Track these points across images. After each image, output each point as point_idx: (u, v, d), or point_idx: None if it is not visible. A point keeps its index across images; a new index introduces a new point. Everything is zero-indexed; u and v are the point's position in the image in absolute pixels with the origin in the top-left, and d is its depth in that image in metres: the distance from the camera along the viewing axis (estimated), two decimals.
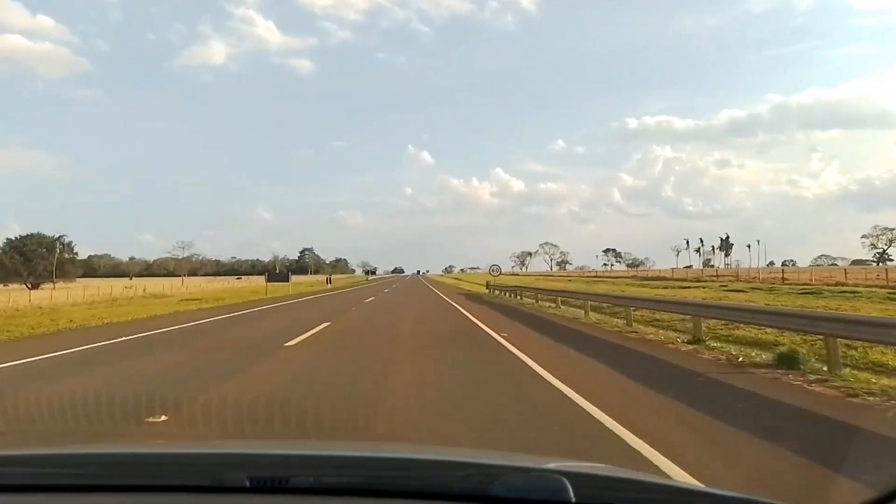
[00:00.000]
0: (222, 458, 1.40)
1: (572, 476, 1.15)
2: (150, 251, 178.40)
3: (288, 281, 40.59)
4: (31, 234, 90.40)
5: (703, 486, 1.43)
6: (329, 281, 64.20)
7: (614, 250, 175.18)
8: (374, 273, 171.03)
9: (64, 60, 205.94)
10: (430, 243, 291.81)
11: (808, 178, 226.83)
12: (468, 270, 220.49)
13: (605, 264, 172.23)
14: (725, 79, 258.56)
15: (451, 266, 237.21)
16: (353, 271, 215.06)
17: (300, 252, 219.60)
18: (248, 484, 1.18)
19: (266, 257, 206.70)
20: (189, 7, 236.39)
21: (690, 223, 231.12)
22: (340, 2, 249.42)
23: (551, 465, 1.27)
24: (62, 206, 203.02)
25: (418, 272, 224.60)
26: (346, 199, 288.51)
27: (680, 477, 3.41)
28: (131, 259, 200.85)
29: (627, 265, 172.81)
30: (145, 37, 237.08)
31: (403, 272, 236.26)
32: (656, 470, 3.52)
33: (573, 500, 1.10)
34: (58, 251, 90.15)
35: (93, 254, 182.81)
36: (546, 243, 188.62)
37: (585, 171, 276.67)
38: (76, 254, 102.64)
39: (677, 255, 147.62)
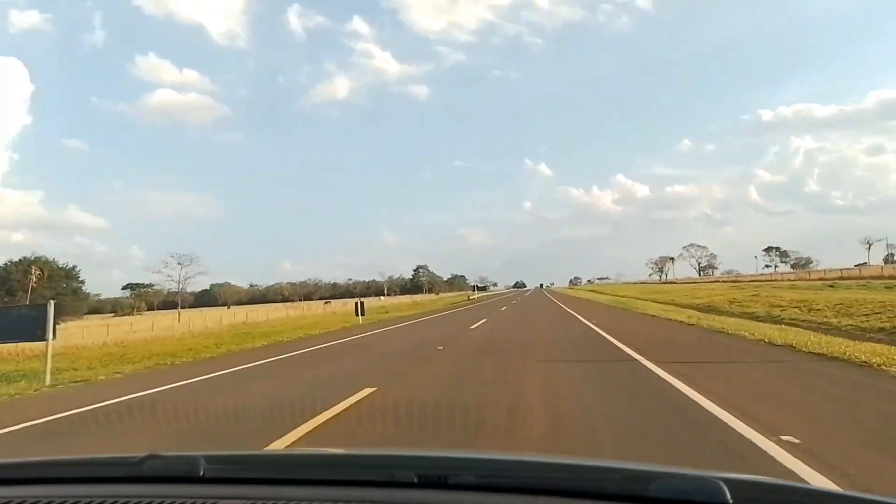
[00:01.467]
0: (394, 460, 1.55)
1: (729, 480, 1.16)
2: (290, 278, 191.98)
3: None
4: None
5: (862, 492, 1.36)
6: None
7: (778, 249, 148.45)
8: (483, 289, 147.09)
9: (209, 108, 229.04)
10: (552, 256, 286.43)
11: None
12: (596, 281, 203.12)
13: (767, 266, 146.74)
14: (871, 56, 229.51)
15: (577, 277, 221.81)
16: (473, 288, 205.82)
17: (414, 270, 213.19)
18: (415, 480, 1.31)
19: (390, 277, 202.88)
20: (313, 47, 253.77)
21: (840, 218, 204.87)
22: (452, 24, 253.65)
23: (707, 473, 1.25)
24: (214, 242, 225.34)
25: (541, 286, 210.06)
26: (467, 217, 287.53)
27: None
28: (251, 286, 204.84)
29: (792, 266, 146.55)
30: (276, 80, 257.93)
31: (525, 286, 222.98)
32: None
33: (730, 501, 1.11)
34: (33, 278, 75.35)
35: (214, 282, 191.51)
36: (691, 245, 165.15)
37: (717, 170, 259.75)
38: (82, 282, 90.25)
39: (869, 248, 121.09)
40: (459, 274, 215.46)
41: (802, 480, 3.44)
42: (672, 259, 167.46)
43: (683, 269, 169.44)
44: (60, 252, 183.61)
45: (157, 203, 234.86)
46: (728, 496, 1.11)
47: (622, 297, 46.61)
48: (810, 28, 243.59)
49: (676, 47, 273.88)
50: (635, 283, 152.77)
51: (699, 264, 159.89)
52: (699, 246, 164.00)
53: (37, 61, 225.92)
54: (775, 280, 71.24)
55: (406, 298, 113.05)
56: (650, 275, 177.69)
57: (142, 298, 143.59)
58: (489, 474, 1.37)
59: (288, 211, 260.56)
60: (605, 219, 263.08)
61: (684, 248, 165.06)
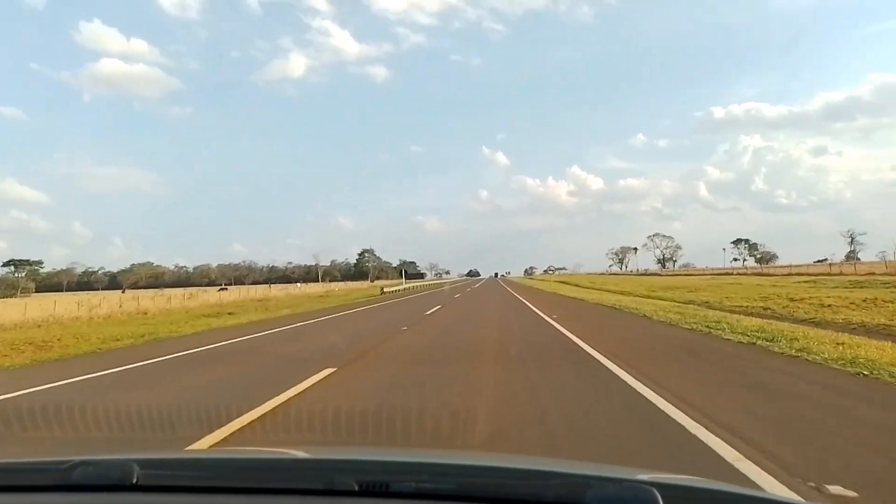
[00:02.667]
0: (332, 464, 1.55)
1: (662, 486, 1.19)
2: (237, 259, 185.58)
3: None
4: None
5: (798, 498, 1.49)
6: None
7: (747, 241, 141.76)
8: (418, 276, 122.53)
9: (158, 80, 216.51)
10: (507, 245, 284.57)
11: None
12: (552, 272, 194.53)
13: (735, 259, 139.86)
14: (821, 60, 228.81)
15: (532, 267, 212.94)
16: (424, 275, 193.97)
17: (359, 254, 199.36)
18: (356, 488, 1.30)
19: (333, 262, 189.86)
20: (269, 22, 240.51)
21: (783, 216, 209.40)
22: (413, 5, 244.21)
23: (642, 476, 1.31)
24: (161, 221, 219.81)
25: (496, 274, 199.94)
26: (424, 204, 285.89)
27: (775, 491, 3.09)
28: (178, 268, 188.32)
29: (757, 260, 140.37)
30: (229, 54, 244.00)
31: (479, 275, 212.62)
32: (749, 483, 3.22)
33: None
34: None
35: (136, 262, 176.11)
36: (655, 235, 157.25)
37: (668, 165, 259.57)
38: None
39: (852, 241, 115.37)
40: (409, 260, 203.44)
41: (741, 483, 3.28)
42: (635, 249, 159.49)
43: (648, 262, 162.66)
44: None
45: (101, 178, 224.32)
46: (660, 503, 1.15)
47: (614, 292, 33.95)
48: (764, 29, 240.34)
49: (635, 41, 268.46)
50: (598, 273, 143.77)
51: (663, 256, 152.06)
52: (664, 236, 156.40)
53: None
54: (765, 274, 62.28)
55: (340, 285, 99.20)
56: (610, 266, 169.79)
57: (30, 277, 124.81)
58: (430, 479, 1.38)
59: (240, 190, 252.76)
60: (559, 210, 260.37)
61: (648, 237, 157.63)
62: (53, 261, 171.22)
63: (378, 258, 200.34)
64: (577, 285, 53.64)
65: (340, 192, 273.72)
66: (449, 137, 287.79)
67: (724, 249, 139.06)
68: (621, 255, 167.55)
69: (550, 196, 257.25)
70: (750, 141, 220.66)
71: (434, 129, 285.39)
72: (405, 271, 67.07)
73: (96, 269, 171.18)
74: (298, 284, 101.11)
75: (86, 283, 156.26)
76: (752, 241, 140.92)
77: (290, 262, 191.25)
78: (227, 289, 78.93)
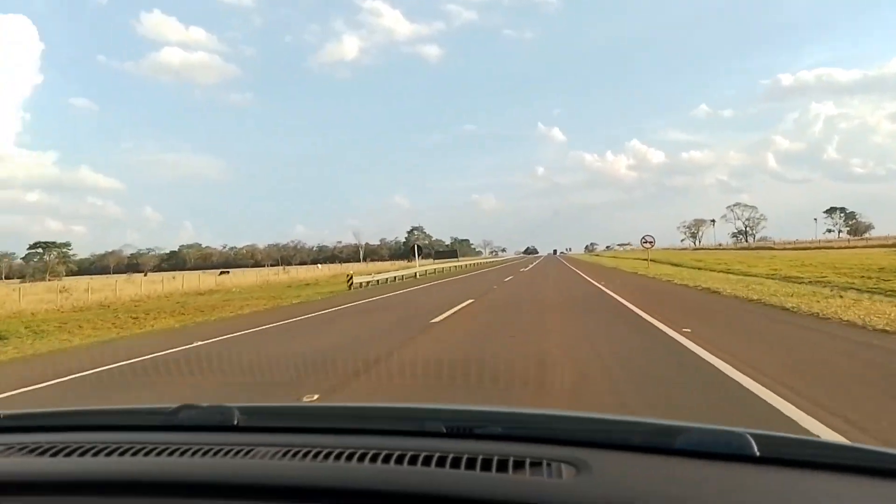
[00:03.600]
0: (423, 413, 1.61)
1: (756, 435, 1.19)
2: (309, 241, 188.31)
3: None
4: None
5: (885, 447, 1.24)
6: None
7: (843, 210, 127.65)
8: (448, 255, 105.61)
9: (216, 67, 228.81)
10: (566, 222, 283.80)
11: None
12: (616, 247, 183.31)
13: (829, 230, 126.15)
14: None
15: (593, 243, 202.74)
16: (480, 253, 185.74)
17: (408, 232, 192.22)
18: (444, 430, 1.38)
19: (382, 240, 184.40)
20: (321, 6, 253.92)
21: (860, 187, 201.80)
22: None
23: (732, 428, 1.28)
24: (227, 204, 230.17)
25: (555, 251, 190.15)
26: (479, 183, 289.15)
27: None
28: (225, 248, 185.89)
29: (848, 232, 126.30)
30: (284, 39, 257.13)
31: (537, 252, 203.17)
32: None
33: (757, 454, 1.14)
34: None
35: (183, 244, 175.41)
36: (736, 205, 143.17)
37: (734, 136, 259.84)
38: None
39: None
40: (462, 238, 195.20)
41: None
42: (712, 221, 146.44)
43: (725, 235, 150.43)
44: (74, 213, 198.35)
45: (167, 164, 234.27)
46: (755, 449, 1.14)
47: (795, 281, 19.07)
48: None
49: (693, 7, 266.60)
50: (675, 249, 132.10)
51: (745, 227, 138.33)
52: (746, 205, 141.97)
53: (45, 19, 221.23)
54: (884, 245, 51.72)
55: (382, 265, 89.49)
56: (682, 240, 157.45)
57: (61, 260, 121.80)
58: (514, 426, 1.42)
59: (300, 173, 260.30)
60: (618, 184, 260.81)
61: (728, 207, 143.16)
62: (128, 244, 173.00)
63: (429, 236, 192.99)
64: (679, 265, 42.35)
65: (396, 172, 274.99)
66: (503, 115, 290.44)
67: (815, 220, 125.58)
68: (694, 229, 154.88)
69: (609, 171, 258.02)
70: (822, 108, 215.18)
71: (488, 107, 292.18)
72: (417, 247, 53.12)
73: (146, 251, 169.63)
74: (318, 266, 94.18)
75: (135, 265, 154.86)
76: (848, 209, 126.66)
77: (340, 242, 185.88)
78: (228, 272, 72.12)
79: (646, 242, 39.05)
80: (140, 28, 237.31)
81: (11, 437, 1.46)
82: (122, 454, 1.29)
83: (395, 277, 35.77)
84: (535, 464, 1.15)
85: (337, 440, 1.32)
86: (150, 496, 1.14)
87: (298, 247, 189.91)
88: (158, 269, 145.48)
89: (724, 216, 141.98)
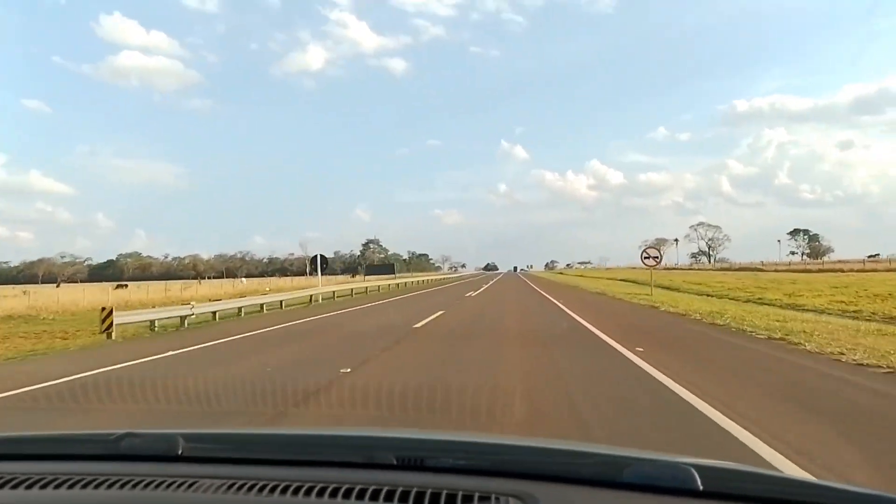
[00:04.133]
0: (372, 441, 1.58)
1: (699, 467, 1.21)
2: (261, 252, 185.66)
3: None
4: None
5: (831, 481, 1.39)
6: None
7: (807, 232, 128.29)
8: (386, 271, 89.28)
9: (177, 73, 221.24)
10: (527, 239, 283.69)
11: None
12: (577, 265, 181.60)
13: (792, 253, 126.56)
14: (850, 50, 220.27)
15: (553, 261, 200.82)
16: (439, 268, 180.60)
17: (363, 245, 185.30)
18: (394, 462, 1.34)
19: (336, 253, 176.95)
20: (287, 14, 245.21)
21: (807, 211, 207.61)
22: None
23: (679, 458, 1.32)
24: (183, 212, 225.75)
25: (515, 269, 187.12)
26: (442, 198, 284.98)
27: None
28: (167, 258, 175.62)
29: (805, 254, 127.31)
30: (248, 47, 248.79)
31: (496, 269, 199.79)
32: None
33: (700, 488, 1.16)
34: None
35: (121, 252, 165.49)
36: (700, 224, 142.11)
37: (690, 159, 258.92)
38: None
39: None
40: (422, 252, 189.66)
41: (773, 468, 3.40)
42: (675, 241, 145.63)
43: (675, 255, 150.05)
44: (21, 218, 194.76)
45: (123, 170, 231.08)
46: (699, 483, 1.16)
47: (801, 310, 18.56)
48: (791, 18, 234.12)
49: (656, 32, 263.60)
50: (629, 268, 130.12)
51: (709, 248, 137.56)
52: (710, 225, 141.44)
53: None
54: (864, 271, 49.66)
55: (301, 280, 74.38)
56: (645, 259, 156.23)
57: None
58: (465, 457, 1.40)
59: (260, 183, 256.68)
60: (578, 203, 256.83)
61: (691, 227, 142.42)
62: (77, 251, 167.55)
63: (385, 249, 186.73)
64: (675, 289, 35.92)
65: (358, 185, 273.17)
66: (467, 131, 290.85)
67: (778, 241, 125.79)
68: (655, 248, 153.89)
69: (570, 190, 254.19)
70: (774, 134, 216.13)
71: (453, 123, 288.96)
72: (322, 258, 36.45)
73: (79, 259, 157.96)
74: (243, 280, 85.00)
75: (63, 275, 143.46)
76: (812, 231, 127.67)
77: (292, 254, 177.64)
78: (126, 286, 64.16)
79: (648, 258, 29.35)
80: (99, 30, 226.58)
81: None
82: (65, 486, 1.28)
83: (262, 305, 23.92)
84: (484, 498, 1.16)
85: (284, 472, 1.31)
86: None
87: (247, 258, 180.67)
88: (91, 279, 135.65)
89: (687, 235, 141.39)
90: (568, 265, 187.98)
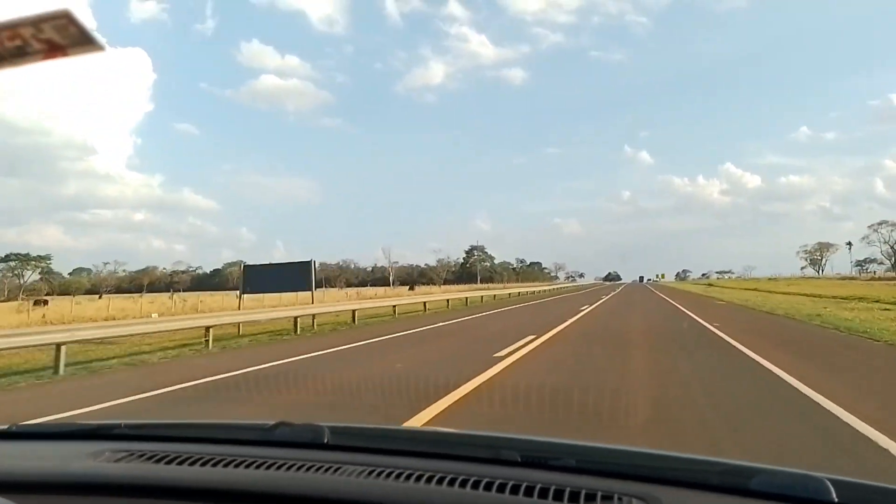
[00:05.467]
0: (501, 441, 1.63)
1: (834, 480, 1.17)
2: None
3: None
4: None
5: None
6: None
7: None
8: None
9: (309, 94, 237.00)
10: (653, 248, 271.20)
11: None
12: (714, 275, 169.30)
13: None
14: None
15: (685, 271, 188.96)
16: (556, 278, 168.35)
17: (466, 252, 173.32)
18: (519, 459, 1.43)
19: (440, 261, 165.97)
20: (409, 32, 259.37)
21: None
22: (551, 3, 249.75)
23: (811, 472, 1.27)
24: (317, 225, 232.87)
25: (641, 279, 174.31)
26: (561, 207, 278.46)
27: None
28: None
29: None
30: (373, 66, 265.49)
31: (619, 279, 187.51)
32: None
33: (836, 500, 1.12)
34: None
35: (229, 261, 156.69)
36: (882, 223, 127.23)
37: (837, 160, 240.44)
38: None
39: None
40: (535, 261, 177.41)
41: None
42: (849, 244, 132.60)
43: (840, 263, 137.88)
44: (176, 231, 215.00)
45: (261, 186, 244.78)
46: (834, 495, 1.12)
47: None
48: None
49: (795, 24, 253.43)
50: (795, 278, 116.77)
51: (894, 252, 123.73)
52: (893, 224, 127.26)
53: (155, 51, 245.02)
54: None
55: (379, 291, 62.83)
56: (802, 269, 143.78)
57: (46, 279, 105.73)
58: (588, 460, 1.43)
59: (386, 196, 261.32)
60: (710, 210, 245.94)
61: (870, 227, 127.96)
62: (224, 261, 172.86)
63: (491, 257, 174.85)
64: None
65: (478, 195, 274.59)
66: (588, 137, 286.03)
67: None
68: (817, 255, 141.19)
69: (700, 195, 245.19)
70: None
71: (572, 130, 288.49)
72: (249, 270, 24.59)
73: (181, 270, 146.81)
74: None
75: (168, 284, 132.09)
76: None
77: (396, 262, 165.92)
78: (47, 301, 55.70)
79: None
80: (240, 57, 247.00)
81: (128, 444, 1.66)
82: (224, 465, 1.44)
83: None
84: (607, 497, 1.19)
85: (418, 463, 1.41)
86: None
87: (352, 266, 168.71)
88: (194, 288, 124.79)
89: (866, 238, 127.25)
90: (704, 275, 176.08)
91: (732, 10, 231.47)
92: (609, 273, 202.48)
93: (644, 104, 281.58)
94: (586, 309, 26.43)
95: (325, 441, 1.58)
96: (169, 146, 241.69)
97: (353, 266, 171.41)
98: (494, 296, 44.65)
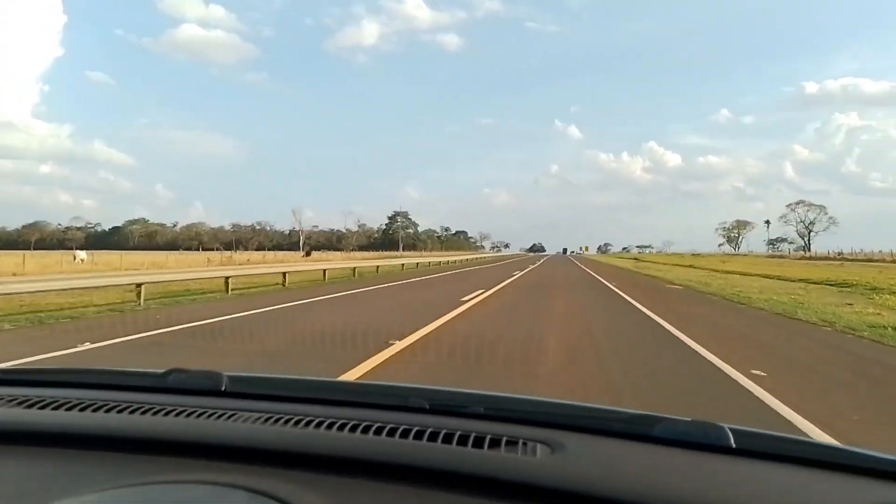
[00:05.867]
0: (408, 391, 1.59)
1: (733, 429, 1.22)
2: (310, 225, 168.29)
3: None
4: None
5: (862, 448, 1.34)
6: None
7: None
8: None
9: (234, 46, 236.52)
10: (578, 222, 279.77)
11: None
12: (634, 249, 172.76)
13: None
14: None
15: (607, 244, 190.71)
16: (481, 248, 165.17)
17: (389, 217, 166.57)
18: (427, 406, 1.41)
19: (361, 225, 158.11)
20: None
21: (878, 200, 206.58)
22: None
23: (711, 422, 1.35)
24: (238, 184, 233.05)
25: (565, 251, 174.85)
26: (491, 177, 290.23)
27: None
28: (175, 225, 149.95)
29: None
30: (303, 21, 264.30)
31: (544, 250, 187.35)
32: None
33: (734, 445, 1.17)
34: None
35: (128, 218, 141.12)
36: (799, 203, 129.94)
37: (753, 143, 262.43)
38: None
39: None
40: (461, 230, 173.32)
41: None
42: (767, 223, 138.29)
43: (755, 241, 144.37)
44: (85, 186, 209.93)
45: (180, 142, 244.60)
46: (732, 441, 1.18)
47: None
48: None
49: (721, 9, 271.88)
50: (716, 255, 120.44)
51: (808, 231, 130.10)
52: (813, 205, 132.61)
53: None
54: None
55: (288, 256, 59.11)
56: (720, 245, 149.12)
57: None
58: (496, 408, 1.42)
59: (312, 157, 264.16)
60: (632, 186, 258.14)
61: (788, 206, 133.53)
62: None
63: (415, 224, 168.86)
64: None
65: (409, 162, 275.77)
66: (520, 109, 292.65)
67: None
68: (734, 231, 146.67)
69: (624, 172, 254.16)
70: (845, 119, 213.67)
71: (505, 102, 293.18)
72: None
73: (76, 226, 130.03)
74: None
75: (60, 241, 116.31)
76: None
77: (316, 227, 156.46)
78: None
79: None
80: (160, 3, 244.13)
81: (4, 389, 1.55)
82: (112, 411, 1.37)
83: None
84: (511, 442, 1.20)
85: (320, 410, 1.36)
86: (137, 452, 1.21)
87: (267, 228, 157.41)
88: (90, 246, 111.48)
89: (783, 216, 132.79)
90: (625, 248, 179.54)
91: None
92: (534, 244, 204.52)
93: (576, 79, 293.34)
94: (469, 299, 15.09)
95: (223, 388, 1.51)
96: (80, 95, 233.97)
97: (269, 228, 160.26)
98: (403, 265, 39.14)
